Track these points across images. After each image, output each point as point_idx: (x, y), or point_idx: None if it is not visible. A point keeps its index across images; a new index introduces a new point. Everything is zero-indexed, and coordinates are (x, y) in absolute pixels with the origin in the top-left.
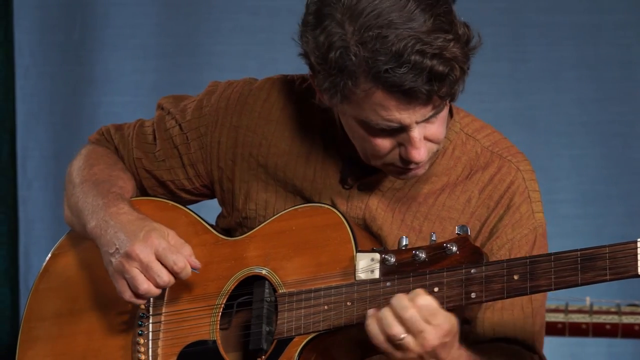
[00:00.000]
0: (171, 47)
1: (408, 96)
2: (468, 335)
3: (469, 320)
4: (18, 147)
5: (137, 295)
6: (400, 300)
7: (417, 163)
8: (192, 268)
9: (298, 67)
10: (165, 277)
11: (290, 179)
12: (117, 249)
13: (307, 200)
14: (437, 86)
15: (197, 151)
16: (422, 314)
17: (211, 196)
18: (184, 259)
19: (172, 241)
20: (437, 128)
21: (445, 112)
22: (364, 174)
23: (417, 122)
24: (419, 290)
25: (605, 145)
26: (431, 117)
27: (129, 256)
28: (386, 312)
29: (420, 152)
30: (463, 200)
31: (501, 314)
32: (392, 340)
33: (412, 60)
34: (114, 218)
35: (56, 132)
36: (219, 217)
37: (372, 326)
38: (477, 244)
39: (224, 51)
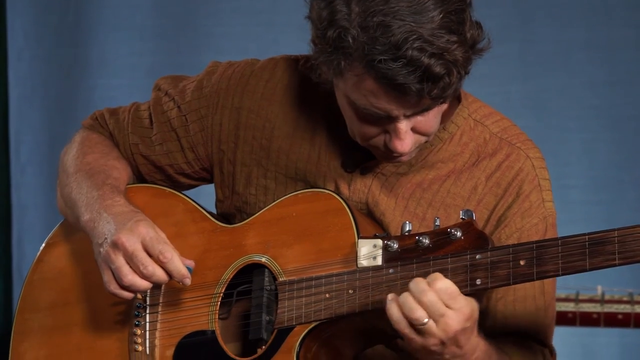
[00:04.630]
0: (169, 29)
1: (398, 91)
2: (479, 327)
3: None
4: (11, 132)
5: (122, 287)
6: (418, 284)
7: (400, 154)
8: (187, 266)
9: (299, 48)
10: (150, 267)
11: (294, 162)
12: (105, 238)
13: (311, 184)
14: (428, 87)
15: (197, 133)
16: (442, 297)
17: (210, 180)
18: (173, 250)
19: (162, 235)
20: (427, 121)
21: (440, 107)
22: (366, 157)
23: (405, 116)
24: (437, 274)
25: (617, 129)
26: (421, 111)
27: (115, 245)
28: (406, 297)
29: (404, 144)
30: (469, 187)
31: (513, 306)
32: (414, 324)
33: (408, 56)
34: (107, 210)
35: (50, 116)
36: (216, 202)
37: (394, 311)
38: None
39: (223, 32)
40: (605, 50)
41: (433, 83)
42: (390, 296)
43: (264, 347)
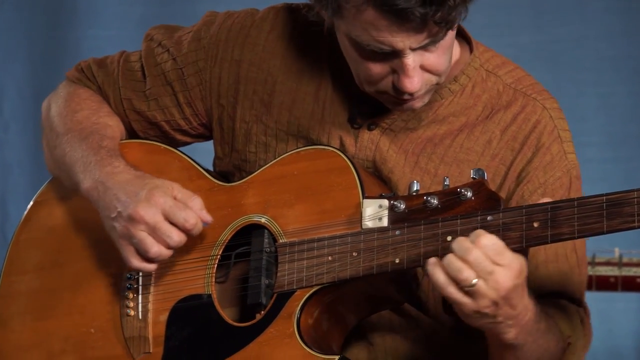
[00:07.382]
0: None
1: (400, 18)
2: None
3: None
4: None
5: (147, 259)
6: (462, 242)
7: (410, 94)
8: (203, 223)
9: None
10: (176, 237)
11: (297, 117)
12: (119, 212)
13: (313, 140)
14: (432, 10)
15: (194, 87)
16: (488, 254)
17: (209, 137)
18: (195, 214)
19: (178, 195)
20: (436, 58)
21: (448, 42)
22: (374, 112)
23: (411, 49)
24: (480, 231)
25: (636, 82)
26: (428, 45)
27: (132, 219)
28: (451, 257)
29: (413, 82)
30: (483, 141)
31: (546, 266)
32: (463, 286)
33: None
34: (110, 179)
35: (35, 69)
36: (215, 159)
37: (439, 275)
38: (504, 190)
39: None
40: None
41: (436, 6)
42: (431, 260)
43: (262, 312)
